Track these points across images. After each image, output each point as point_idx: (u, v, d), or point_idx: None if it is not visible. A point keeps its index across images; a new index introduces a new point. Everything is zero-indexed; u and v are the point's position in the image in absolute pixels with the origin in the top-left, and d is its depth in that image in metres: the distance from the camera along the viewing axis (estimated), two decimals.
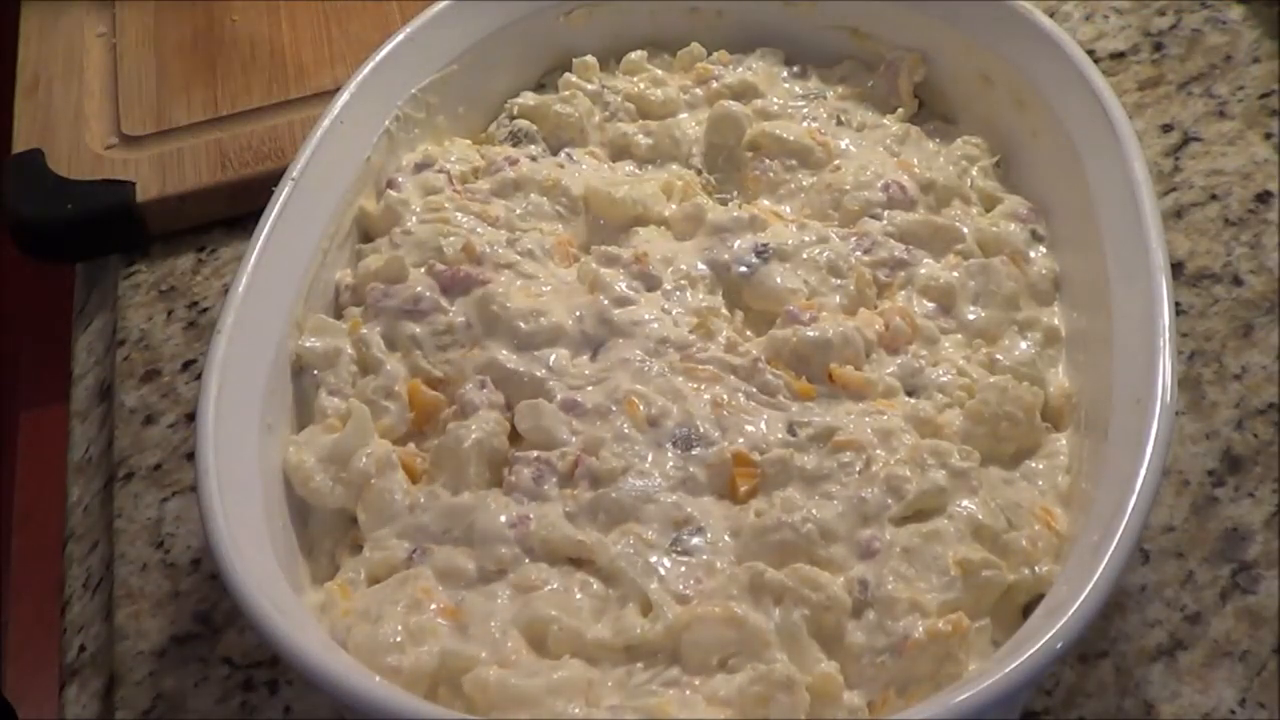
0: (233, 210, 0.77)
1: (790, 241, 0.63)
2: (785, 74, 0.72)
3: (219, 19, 0.86)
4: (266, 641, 0.49)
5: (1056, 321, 0.62)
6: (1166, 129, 0.76)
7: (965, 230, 0.64)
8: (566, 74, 0.72)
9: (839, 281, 0.62)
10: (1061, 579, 0.51)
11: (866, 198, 0.65)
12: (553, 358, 0.59)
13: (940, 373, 0.59)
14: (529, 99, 0.71)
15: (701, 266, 0.63)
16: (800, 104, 0.70)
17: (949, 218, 0.65)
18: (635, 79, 0.72)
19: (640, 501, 0.55)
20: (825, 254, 0.63)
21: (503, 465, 0.57)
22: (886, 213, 0.64)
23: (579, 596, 0.53)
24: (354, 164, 0.66)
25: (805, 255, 0.63)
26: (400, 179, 0.67)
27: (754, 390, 0.58)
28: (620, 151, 0.70)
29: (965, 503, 0.55)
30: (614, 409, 0.57)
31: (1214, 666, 0.57)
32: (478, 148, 0.70)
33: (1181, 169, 0.74)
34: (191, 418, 0.69)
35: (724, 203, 0.67)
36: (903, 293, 0.62)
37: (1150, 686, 0.57)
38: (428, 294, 0.61)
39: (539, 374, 0.59)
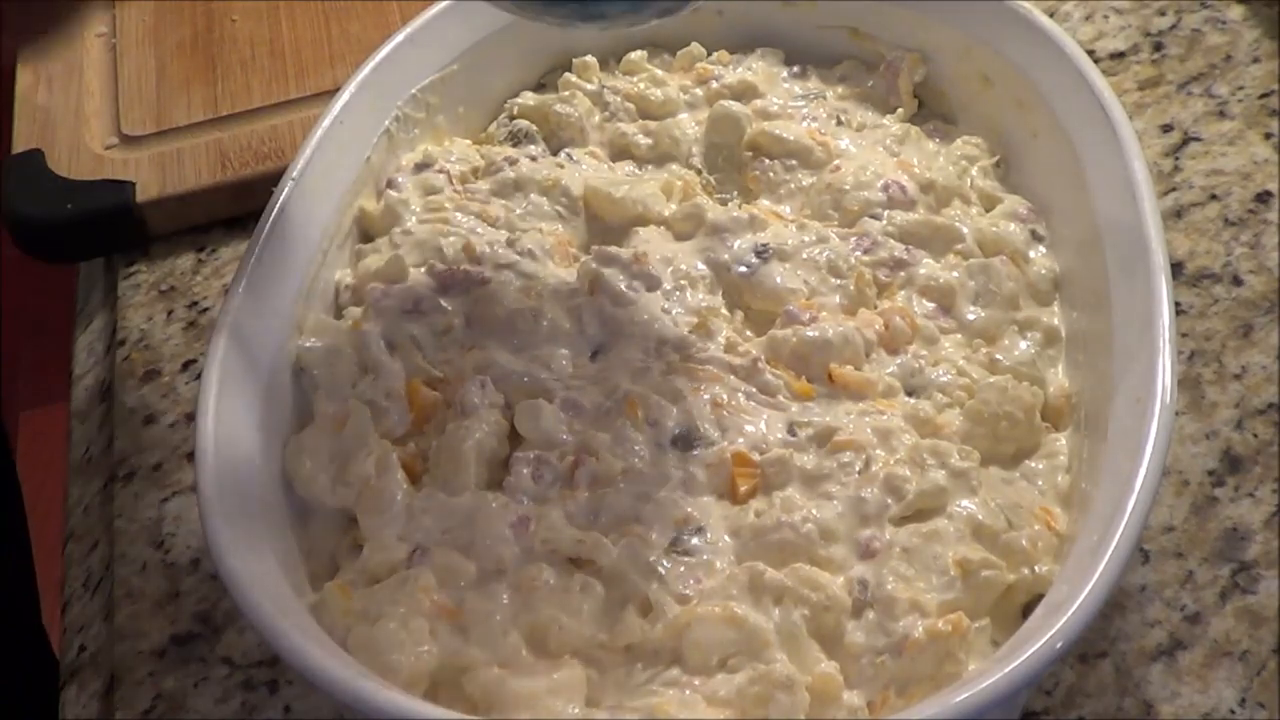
0: (233, 210, 0.77)
1: (790, 241, 0.63)
2: (785, 74, 0.72)
3: (219, 19, 0.86)
4: (266, 641, 0.49)
5: (1056, 321, 0.62)
6: (1166, 129, 0.76)
7: (965, 230, 0.64)
8: (566, 74, 0.72)
9: (839, 281, 0.62)
10: (1061, 579, 0.51)
11: (866, 198, 0.65)
12: (553, 358, 0.60)
13: (940, 373, 0.59)
14: (529, 99, 0.71)
15: (701, 266, 0.63)
16: (800, 104, 0.70)
17: (949, 218, 0.65)
18: (635, 79, 0.72)
19: (640, 502, 0.55)
20: (825, 254, 0.63)
21: (503, 465, 0.57)
22: (886, 213, 0.64)
23: (579, 596, 0.53)
24: (354, 164, 0.66)
25: (805, 255, 0.63)
26: (400, 179, 0.67)
27: (754, 390, 0.58)
28: (620, 151, 0.70)
29: (965, 503, 0.55)
30: (614, 409, 0.57)
31: (1214, 666, 0.57)
32: (478, 148, 0.70)
33: (1181, 169, 0.74)
34: (191, 418, 0.68)
35: (724, 203, 0.67)
36: (903, 293, 0.62)
37: (1150, 686, 0.57)
38: (427, 294, 0.61)
39: (539, 374, 0.59)
